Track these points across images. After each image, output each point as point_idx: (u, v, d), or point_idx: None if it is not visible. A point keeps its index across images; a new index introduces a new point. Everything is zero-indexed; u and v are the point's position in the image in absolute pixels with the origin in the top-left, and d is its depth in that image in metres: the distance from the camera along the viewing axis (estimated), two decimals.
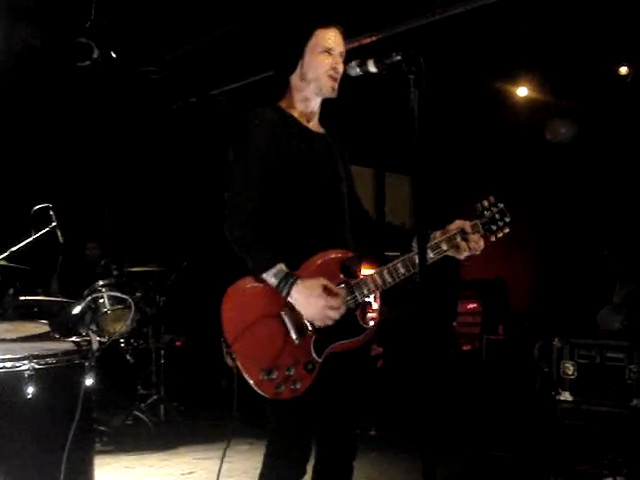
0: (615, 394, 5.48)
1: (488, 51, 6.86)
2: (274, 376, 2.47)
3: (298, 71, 2.76)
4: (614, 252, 7.03)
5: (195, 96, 8.17)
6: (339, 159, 2.84)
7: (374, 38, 6.23)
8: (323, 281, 2.52)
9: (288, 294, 2.48)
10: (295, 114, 2.78)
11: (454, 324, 8.98)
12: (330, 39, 2.74)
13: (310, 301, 2.48)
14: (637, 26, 6.21)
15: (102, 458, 5.17)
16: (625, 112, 7.73)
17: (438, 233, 2.72)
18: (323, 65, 2.72)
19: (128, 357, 6.01)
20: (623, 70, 7.40)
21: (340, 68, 2.72)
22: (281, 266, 2.49)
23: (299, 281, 2.48)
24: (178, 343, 7.49)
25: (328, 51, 2.73)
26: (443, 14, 5.91)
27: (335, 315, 2.50)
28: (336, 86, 2.74)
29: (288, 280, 2.48)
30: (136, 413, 5.90)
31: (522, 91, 8.14)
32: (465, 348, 8.61)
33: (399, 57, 2.38)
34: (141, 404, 6.03)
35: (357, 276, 2.65)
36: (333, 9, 2.80)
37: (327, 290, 2.51)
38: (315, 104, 2.82)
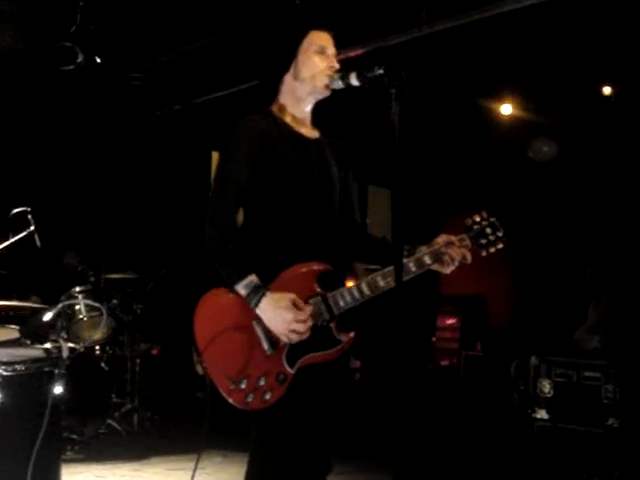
0: (591, 413, 5.49)
1: (473, 68, 6.90)
2: (243, 386, 2.45)
3: (291, 71, 2.72)
4: (595, 271, 7.06)
5: (179, 104, 8.16)
6: (333, 163, 2.77)
7: (360, 52, 6.24)
8: (292, 296, 2.49)
9: (256, 306, 2.46)
10: (287, 119, 2.73)
11: (433, 339, 8.98)
12: (323, 39, 2.73)
13: (277, 313, 2.45)
14: (621, 47, 6.27)
15: (73, 467, 5.12)
16: (608, 132, 7.79)
17: (424, 247, 2.66)
18: (318, 65, 2.68)
19: (103, 365, 5.95)
20: (607, 90, 7.46)
21: (336, 66, 2.68)
22: (252, 278, 2.46)
23: (268, 293, 2.46)
24: (154, 352, 7.43)
25: (322, 50, 2.70)
26: (429, 30, 5.94)
27: (301, 329, 2.46)
28: (331, 85, 2.67)
29: (257, 292, 2.45)
30: (109, 422, 5.84)
31: (506, 109, 8.19)
32: (443, 363, 8.62)
33: (381, 71, 2.39)
34: (115, 413, 5.97)
35: (335, 288, 2.62)
36: (318, 22, 2.78)
37: (296, 306, 2.48)
38: (308, 105, 2.78)
